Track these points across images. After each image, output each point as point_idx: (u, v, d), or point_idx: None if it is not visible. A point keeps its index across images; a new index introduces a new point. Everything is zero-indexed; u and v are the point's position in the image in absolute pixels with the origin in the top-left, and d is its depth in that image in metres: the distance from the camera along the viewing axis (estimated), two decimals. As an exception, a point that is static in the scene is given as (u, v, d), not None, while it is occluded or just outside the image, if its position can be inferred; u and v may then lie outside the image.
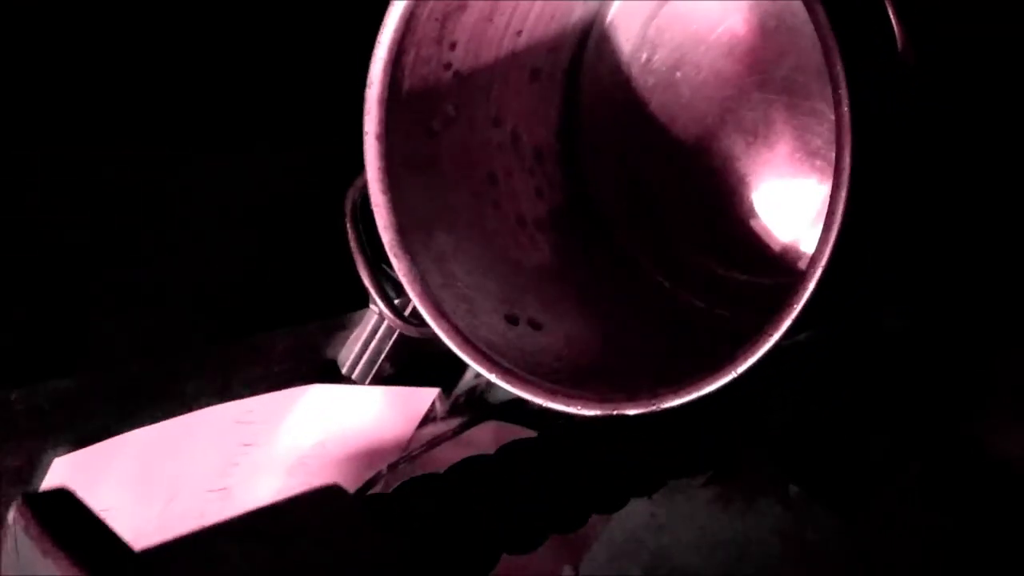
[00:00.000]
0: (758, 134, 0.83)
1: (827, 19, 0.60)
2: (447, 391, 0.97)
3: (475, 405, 0.96)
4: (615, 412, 0.69)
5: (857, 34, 0.62)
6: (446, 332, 0.74)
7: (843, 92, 0.61)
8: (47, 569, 0.41)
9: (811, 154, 0.82)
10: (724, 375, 0.66)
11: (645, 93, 0.86)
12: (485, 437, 0.96)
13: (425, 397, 0.96)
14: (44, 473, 0.73)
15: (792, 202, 0.83)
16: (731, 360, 0.66)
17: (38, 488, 0.73)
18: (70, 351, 0.69)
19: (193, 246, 0.77)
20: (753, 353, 0.65)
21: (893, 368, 0.81)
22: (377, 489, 0.88)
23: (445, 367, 0.93)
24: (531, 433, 0.73)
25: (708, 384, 0.67)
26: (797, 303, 0.64)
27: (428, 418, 0.97)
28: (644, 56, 0.86)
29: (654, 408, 0.68)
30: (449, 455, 0.95)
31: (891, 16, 0.64)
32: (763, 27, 0.82)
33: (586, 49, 0.86)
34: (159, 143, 0.74)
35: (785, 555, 0.79)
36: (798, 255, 0.82)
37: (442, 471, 0.63)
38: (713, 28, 0.83)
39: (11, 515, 0.43)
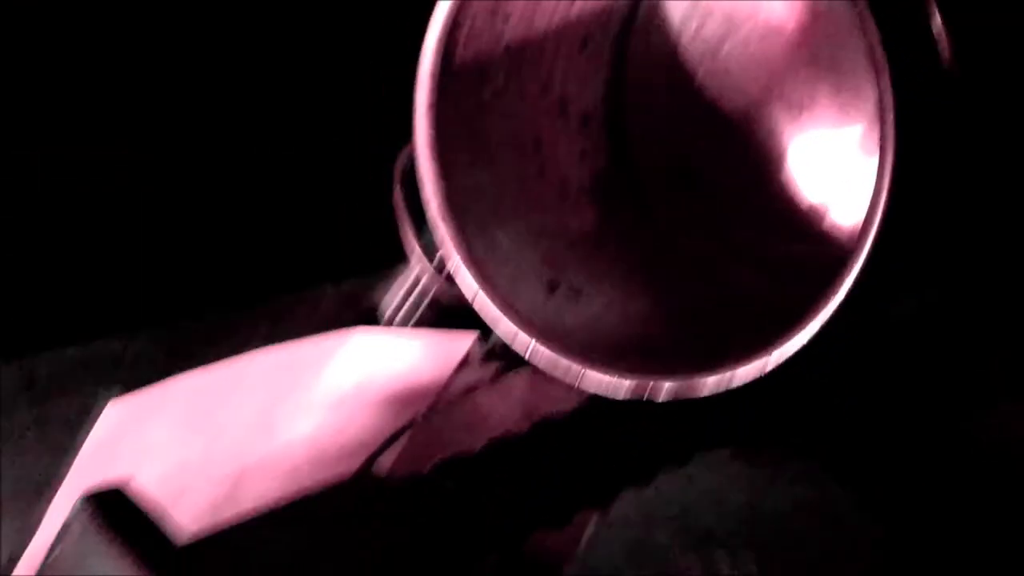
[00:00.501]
0: (803, 108, 0.84)
1: (877, 34, 0.61)
2: (485, 335, 0.98)
3: (510, 352, 0.98)
4: (647, 394, 0.71)
5: (903, 46, 0.63)
6: (489, 299, 0.76)
7: (889, 110, 0.62)
8: (109, 567, 0.44)
9: (854, 131, 0.82)
10: (759, 363, 0.68)
11: (693, 63, 0.87)
12: (522, 384, 0.98)
13: (463, 342, 0.98)
14: (95, 418, 0.75)
15: (834, 177, 0.84)
16: (767, 348, 0.67)
17: (87, 433, 0.76)
18: (126, 307, 0.72)
19: (242, 203, 0.79)
20: (790, 343, 0.67)
21: (899, 357, 0.82)
22: (409, 435, 0.90)
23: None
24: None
25: (742, 367, 0.68)
26: (832, 298, 0.66)
27: (464, 363, 0.99)
28: (694, 25, 0.86)
29: (686, 392, 0.70)
30: (485, 401, 0.98)
31: (937, 28, 0.65)
32: (812, 8, 0.82)
33: (637, 17, 0.87)
34: (217, 99, 0.76)
35: (808, 526, 0.81)
36: (840, 229, 0.83)
37: (473, 453, 0.65)
38: (763, 5, 0.84)
39: (73, 510, 0.46)
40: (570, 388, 0.77)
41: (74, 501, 0.78)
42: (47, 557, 0.47)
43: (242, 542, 0.50)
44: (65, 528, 0.46)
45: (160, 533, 0.46)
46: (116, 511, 0.46)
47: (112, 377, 0.74)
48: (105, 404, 0.75)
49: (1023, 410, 0.81)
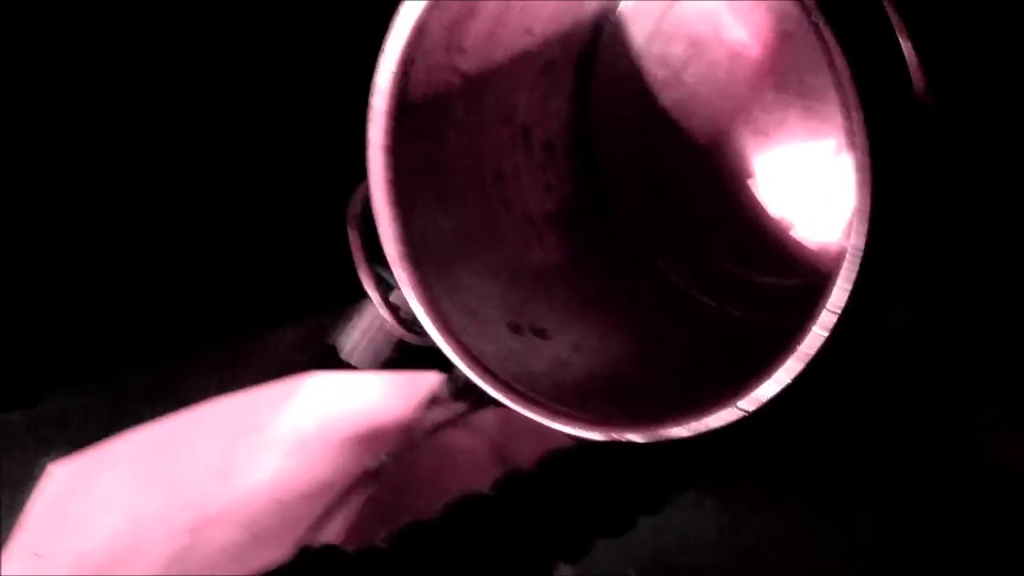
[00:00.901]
0: (771, 135, 0.81)
1: (846, 64, 0.58)
2: (451, 374, 0.96)
3: (479, 389, 0.95)
4: (619, 437, 0.68)
5: (874, 77, 0.60)
6: (450, 346, 0.73)
7: (861, 139, 0.59)
8: None
9: (827, 156, 0.80)
10: (731, 408, 0.65)
11: (658, 86, 0.84)
12: (491, 421, 0.95)
13: (427, 381, 0.95)
14: (42, 479, 0.72)
15: (810, 202, 0.81)
16: (739, 392, 0.65)
17: (34, 494, 0.72)
18: (69, 364, 0.68)
19: (190, 244, 0.76)
20: (764, 388, 0.64)
21: (893, 365, 0.80)
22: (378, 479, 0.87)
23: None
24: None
25: (714, 416, 0.66)
26: (802, 342, 0.63)
27: (431, 401, 0.96)
28: (657, 50, 0.84)
29: (658, 437, 0.67)
30: (453, 440, 0.95)
31: (908, 59, 0.62)
32: (781, 30, 0.79)
33: (599, 40, 0.84)
34: (159, 143, 0.72)
35: (783, 562, 0.79)
36: (817, 256, 0.81)
37: (486, 491, 0.62)
38: (729, 26, 0.81)
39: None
40: (543, 425, 0.75)
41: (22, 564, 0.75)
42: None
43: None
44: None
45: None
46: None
47: (58, 437, 0.70)
48: (52, 464, 0.72)
49: (1010, 410, 0.79)
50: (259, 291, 0.80)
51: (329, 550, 0.56)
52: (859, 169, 0.60)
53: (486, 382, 0.71)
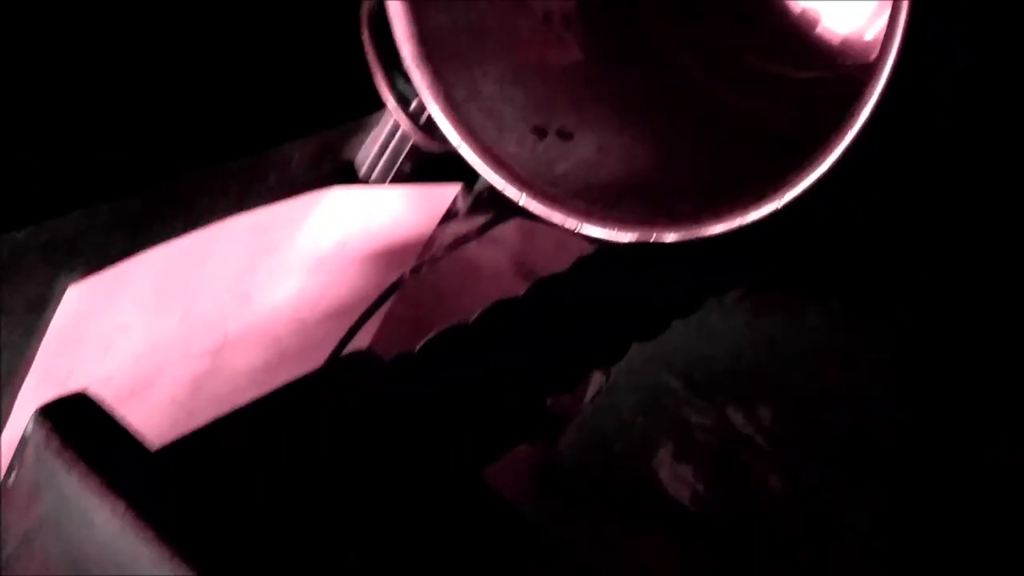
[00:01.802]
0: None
1: None
2: (469, 186, 0.93)
3: (499, 200, 0.92)
4: (652, 239, 0.66)
5: None
6: (473, 150, 0.70)
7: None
8: (71, 492, 0.39)
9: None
10: (769, 202, 0.63)
11: None
12: (512, 234, 0.93)
13: (447, 194, 0.92)
14: (59, 301, 0.70)
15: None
16: (777, 187, 0.62)
17: (51, 316, 0.70)
18: (78, 181, 0.66)
19: (198, 56, 0.72)
20: (802, 181, 0.62)
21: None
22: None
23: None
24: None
25: (752, 211, 0.63)
26: (847, 130, 0.60)
27: (450, 215, 0.93)
28: None
29: (694, 234, 0.65)
30: (475, 253, 0.93)
31: None
32: None
33: None
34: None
35: (824, 363, 0.77)
36: (842, 47, 0.78)
37: (470, 321, 0.59)
38: None
39: (29, 427, 0.40)
40: (567, 235, 0.72)
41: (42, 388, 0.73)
42: (5, 479, 0.42)
43: (223, 439, 0.45)
44: (22, 446, 0.40)
45: (126, 444, 0.40)
46: (77, 424, 0.40)
47: (70, 258, 0.68)
48: (67, 286, 0.70)
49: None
50: (272, 103, 0.76)
51: (362, 356, 0.54)
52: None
53: (512, 184, 0.68)
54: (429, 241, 0.94)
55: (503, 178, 0.69)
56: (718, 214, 0.64)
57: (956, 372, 0.75)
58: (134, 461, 0.41)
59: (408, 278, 0.87)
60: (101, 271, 0.72)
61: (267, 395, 0.47)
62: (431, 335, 0.57)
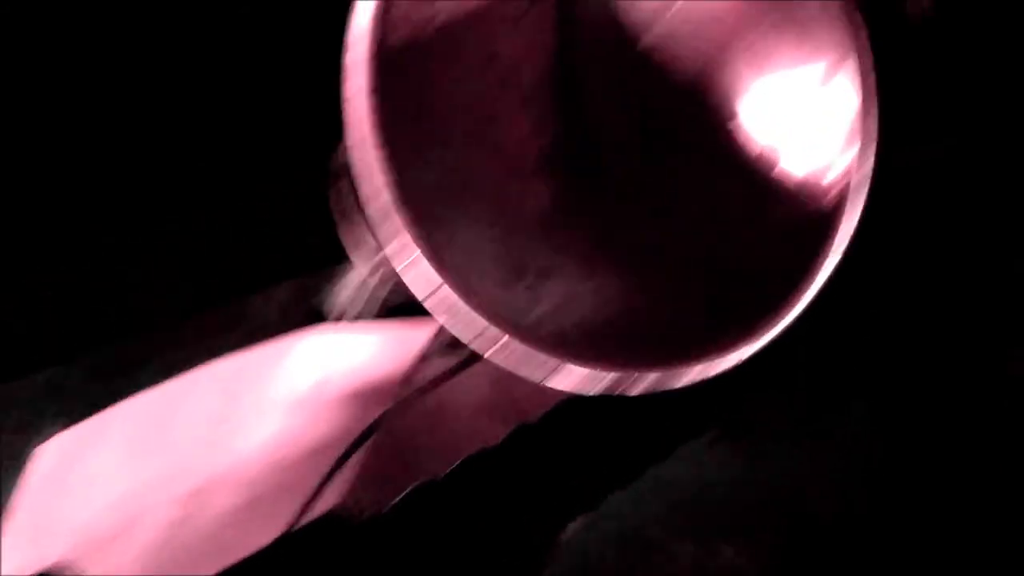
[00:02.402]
0: (761, 65, 0.79)
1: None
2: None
3: (477, 339, 0.93)
4: (619, 391, 0.66)
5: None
6: (454, 292, 0.71)
7: (868, 62, 0.57)
8: None
9: (817, 85, 0.77)
10: (739, 350, 0.63)
11: (644, 21, 0.82)
12: (488, 372, 0.93)
13: (421, 333, 0.93)
14: (36, 454, 0.70)
15: (797, 133, 0.79)
16: (747, 335, 0.63)
17: (29, 468, 0.70)
18: (59, 333, 0.66)
19: (175, 211, 0.73)
20: (771, 328, 0.62)
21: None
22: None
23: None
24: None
25: (723, 360, 0.64)
26: (812, 282, 0.61)
27: (426, 355, 0.94)
28: (644, -19, 0.81)
29: (664, 385, 0.65)
30: (453, 390, 0.93)
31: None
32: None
33: (584, -26, 0.81)
34: (136, 110, 0.70)
35: (795, 501, 0.78)
36: (806, 187, 0.79)
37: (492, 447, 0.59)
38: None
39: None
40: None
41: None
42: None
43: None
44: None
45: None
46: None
47: (51, 408, 0.68)
48: (46, 438, 0.70)
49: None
50: (246, 253, 0.77)
51: (329, 520, 0.54)
52: (862, 92, 0.58)
53: (494, 324, 0.68)
54: (407, 379, 0.95)
55: (483, 320, 0.69)
56: (690, 363, 0.64)
57: (929, 525, 0.75)
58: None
59: (387, 416, 0.87)
60: (78, 424, 0.73)
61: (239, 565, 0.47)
62: (404, 493, 0.57)
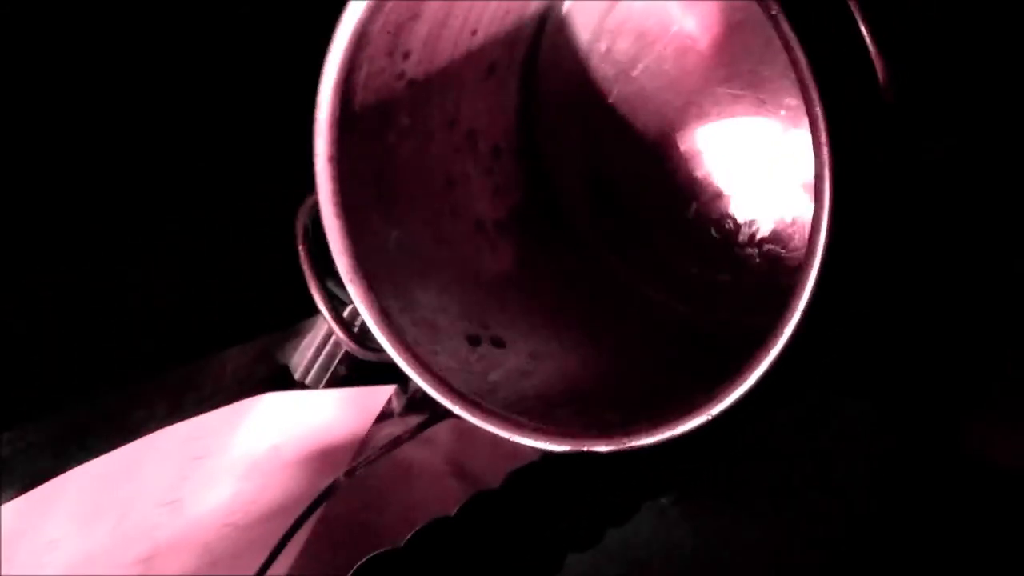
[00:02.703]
0: (724, 130, 0.80)
1: (805, 59, 0.57)
2: (403, 387, 0.93)
3: (433, 402, 0.93)
4: (585, 449, 0.66)
5: (836, 72, 0.59)
6: (407, 361, 0.71)
7: (823, 135, 0.58)
8: None
9: (781, 151, 0.78)
10: (701, 413, 0.63)
11: (605, 84, 0.82)
12: (447, 435, 0.93)
13: (380, 395, 0.93)
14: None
15: (766, 198, 0.80)
16: (708, 398, 0.63)
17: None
18: (9, 401, 0.65)
19: (133, 268, 0.73)
20: (734, 390, 0.62)
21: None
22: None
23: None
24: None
25: (683, 423, 0.64)
26: (776, 343, 0.61)
27: (384, 416, 0.94)
28: (604, 46, 0.82)
29: (625, 446, 0.65)
30: (410, 455, 0.92)
31: (871, 51, 0.60)
32: (730, 20, 0.78)
33: (543, 40, 0.82)
34: (101, 167, 0.70)
35: (759, 569, 0.77)
36: (776, 253, 0.79)
37: (452, 514, 0.59)
38: (675, 20, 0.79)
39: None
40: (500, 439, 0.73)
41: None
42: None
43: None
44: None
45: None
46: None
47: (2, 476, 0.67)
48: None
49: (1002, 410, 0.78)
50: (206, 312, 0.77)
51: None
52: (820, 165, 0.58)
53: (445, 397, 0.68)
54: (363, 443, 0.94)
55: (436, 391, 0.70)
56: (650, 426, 0.64)
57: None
58: None
59: (342, 481, 0.87)
60: (30, 490, 0.72)
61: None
62: (360, 563, 0.56)
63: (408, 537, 0.59)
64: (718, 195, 0.81)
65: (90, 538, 0.80)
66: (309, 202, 0.73)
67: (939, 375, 0.76)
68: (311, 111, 0.71)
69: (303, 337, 0.88)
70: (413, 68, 0.74)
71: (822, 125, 0.58)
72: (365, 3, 0.67)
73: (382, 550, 0.58)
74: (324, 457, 0.93)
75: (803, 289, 0.60)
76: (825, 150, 0.58)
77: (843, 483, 0.80)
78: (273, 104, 0.77)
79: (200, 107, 0.76)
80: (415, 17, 0.70)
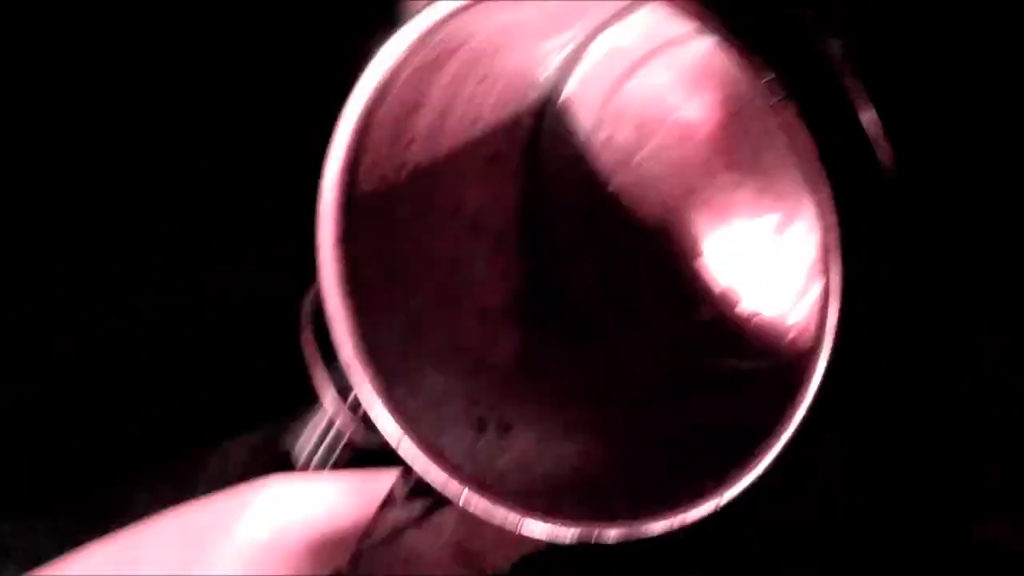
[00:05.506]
0: (723, 215, 0.80)
1: (812, 145, 0.57)
2: (408, 472, 0.93)
3: (441, 488, 0.93)
4: (593, 538, 0.66)
5: (839, 155, 0.59)
6: (412, 448, 0.71)
7: (831, 218, 0.58)
8: None
9: (787, 235, 0.79)
10: (710, 500, 0.63)
11: (607, 171, 0.83)
12: (453, 520, 0.92)
13: (385, 481, 0.92)
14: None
15: (764, 283, 0.80)
16: (718, 485, 0.63)
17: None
18: (11, 494, 0.65)
19: (138, 357, 0.73)
20: (743, 477, 0.63)
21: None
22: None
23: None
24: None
25: (692, 510, 0.64)
26: (785, 429, 0.61)
27: (389, 502, 0.93)
28: (604, 135, 0.83)
29: (635, 534, 0.65)
30: (416, 542, 0.92)
31: (871, 129, 0.61)
32: (730, 107, 0.79)
33: (543, 128, 0.83)
34: (105, 250, 0.70)
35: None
36: (786, 335, 0.80)
37: None
38: (677, 107, 0.80)
39: None
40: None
41: None
42: None
43: None
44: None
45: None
46: None
47: (9, 564, 0.67)
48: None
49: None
50: (209, 401, 0.77)
51: None
52: (827, 249, 0.59)
53: (455, 478, 0.68)
54: (368, 529, 0.94)
55: (444, 473, 0.69)
56: (659, 513, 0.64)
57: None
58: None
59: (347, 568, 0.86)
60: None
61: None
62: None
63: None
64: (722, 282, 0.81)
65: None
66: (314, 287, 0.73)
67: (952, 466, 0.76)
68: (316, 196, 0.71)
69: (307, 423, 0.87)
70: (416, 155, 0.74)
71: (830, 207, 0.59)
72: (370, 91, 0.68)
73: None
74: (328, 545, 0.92)
75: (812, 374, 0.60)
76: (835, 233, 0.58)
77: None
78: (281, 189, 0.77)
79: (210, 188, 0.76)
80: (419, 107, 0.72)
